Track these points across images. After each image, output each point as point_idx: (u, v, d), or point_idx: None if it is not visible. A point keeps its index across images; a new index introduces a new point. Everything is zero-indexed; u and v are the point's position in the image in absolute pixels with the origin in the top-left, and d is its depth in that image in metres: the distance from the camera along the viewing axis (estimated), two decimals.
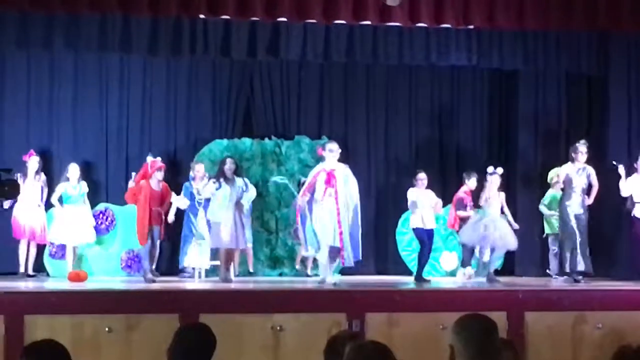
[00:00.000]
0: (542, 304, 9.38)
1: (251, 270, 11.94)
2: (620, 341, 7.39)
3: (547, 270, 11.90)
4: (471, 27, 11.17)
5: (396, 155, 13.24)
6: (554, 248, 11.84)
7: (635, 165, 11.37)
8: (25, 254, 11.39)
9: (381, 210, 12.64)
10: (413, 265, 11.79)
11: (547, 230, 12.03)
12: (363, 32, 11.58)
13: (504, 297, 9.43)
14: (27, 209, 11.31)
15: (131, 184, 11.13)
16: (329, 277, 10.26)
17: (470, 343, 3.55)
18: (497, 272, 11.33)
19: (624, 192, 11.27)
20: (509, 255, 12.04)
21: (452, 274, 12.13)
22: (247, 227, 11.57)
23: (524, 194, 12.56)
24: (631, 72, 12.26)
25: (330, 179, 10.14)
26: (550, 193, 11.92)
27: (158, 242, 10.97)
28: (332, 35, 11.59)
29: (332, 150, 10.35)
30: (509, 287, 10.29)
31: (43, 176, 11.55)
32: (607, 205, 11.57)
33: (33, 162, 11.46)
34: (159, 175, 10.85)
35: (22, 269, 11.34)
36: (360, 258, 10.49)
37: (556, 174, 11.57)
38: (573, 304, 9.39)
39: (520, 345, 8.50)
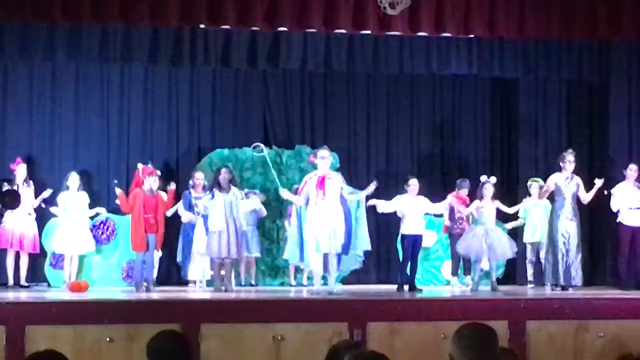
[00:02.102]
0: (544, 313, 9.35)
1: (253, 282, 11.92)
2: (621, 350, 7.42)
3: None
4: (472, 36, 11.20)
5: (397, 164, 13.23)
6: (531, 257, 11.86)
7: (624, 172, 11.40)
8: (13, 265, 11.28)
9: (382, 220, 12.62)
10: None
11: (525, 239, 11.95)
12: (363, 42, 11.62)
13: (506, 306, 9.40)
14: (16, 218, 11.19)
15: (118, 191, 10.93)
16: (328, 286, 10.24)
17: (470, 352, 3.54)
18: (499, 281, 11.31)
19: (614, 207, 11.36)
20: (510, 263, 12.03)
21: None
22: (252, 236, 11.55)
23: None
24: (632, 80, 12.30)
25: (322, 182, 10.09)
26: (523, 206, 11.86)
27: (154, 252, 10.90)
28: (333, 44, 11.62)
29: (323, 157, 10.24)
30: (510, 296, 10.26)
31: (32, 184, 11.46)
32: (610, 214, 11.57)
33: (21, 170, 11.38)
34: (151, 180, 10.66)
35: (10, 281, 11.24)
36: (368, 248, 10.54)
37: (538, 185, 11.60)
38: (575, 312, 9.36)
39: (521, 354, 8.48)
